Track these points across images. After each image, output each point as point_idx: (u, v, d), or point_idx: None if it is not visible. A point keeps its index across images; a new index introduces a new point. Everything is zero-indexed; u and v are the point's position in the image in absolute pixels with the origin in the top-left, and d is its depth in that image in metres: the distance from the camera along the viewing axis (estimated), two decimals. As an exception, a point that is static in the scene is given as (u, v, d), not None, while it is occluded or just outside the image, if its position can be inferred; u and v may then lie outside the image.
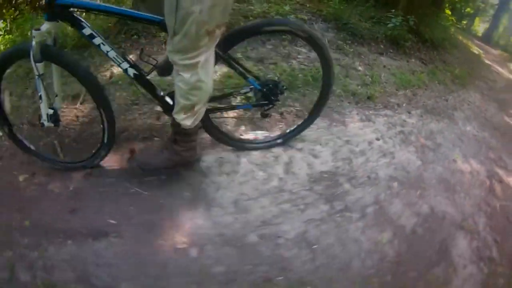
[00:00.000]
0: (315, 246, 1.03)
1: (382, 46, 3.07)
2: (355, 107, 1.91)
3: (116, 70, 1.77)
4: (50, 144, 1.44)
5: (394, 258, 1.09)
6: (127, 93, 1.65)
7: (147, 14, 1.16)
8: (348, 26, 2.92)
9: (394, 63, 2.76)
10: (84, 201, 1.20)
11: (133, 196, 1.21)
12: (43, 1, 1.12)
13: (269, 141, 1.50)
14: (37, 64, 1.15)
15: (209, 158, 1.28)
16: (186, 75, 1.10)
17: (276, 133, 1.54)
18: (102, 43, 1.16)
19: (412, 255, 1.13)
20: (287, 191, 1.20)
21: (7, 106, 1.60)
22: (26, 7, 2.76)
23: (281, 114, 1.68)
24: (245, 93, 1.42)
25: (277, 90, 1.39)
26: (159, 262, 1.00)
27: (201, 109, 1.21)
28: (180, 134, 1.25)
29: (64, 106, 1.53)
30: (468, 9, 4.88)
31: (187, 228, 1.08)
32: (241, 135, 1.50)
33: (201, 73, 1.11)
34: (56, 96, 1.29)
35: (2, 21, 2.78)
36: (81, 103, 1.41)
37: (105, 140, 1.29)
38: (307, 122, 1.56)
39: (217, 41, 1.11)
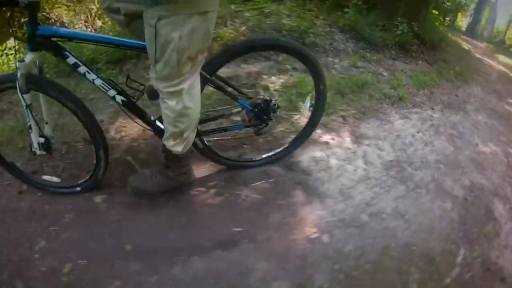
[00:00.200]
0: (407, 217, 1.40)
1: (393, 52, 3.51)
2: (392, 108, 2.31)
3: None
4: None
5: (459, 219, 1.48)
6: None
7: (131, 41, 1.16)
8: (363, 35, 3.35)
9: (407, 67, 3.20)
10: (193, 215, 1.27)
11: (247, 201, 1.32)
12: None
13: (265, 159, 1.50)
14: (23, 95, 1.14)
15: (304, 159, 1.60)
16: (172, 103, 1.09)
17: (271, 151, 1.54)
18: (87, 71, 1.16)
19: (469, 217, 1.52)
20: (372, 178, 1.57)
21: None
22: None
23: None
24: (237, 112, 1.42)
25: (269, 109, 1.39)
26: (300, 254, 1.15)
27: (190, 135, 1.21)
28: (172, 160, 1.26)
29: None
30: (449, 6, 5.41)
31: (313, 220, 1.27)
32: (238, 155, 1.53)
33: (186, 100, 1.10)
34: (46, 123, 1.28)
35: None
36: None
37: (99, 169, 1.30)
38: (301, 139, 1.54)
39: (201, 66, 1.11)
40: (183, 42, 0.97)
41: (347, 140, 1.80)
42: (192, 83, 1.10)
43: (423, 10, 4.24)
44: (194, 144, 1.30)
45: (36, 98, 1.20)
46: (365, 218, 1.32)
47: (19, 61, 1.09)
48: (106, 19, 4.29)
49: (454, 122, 2.40)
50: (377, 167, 1.65)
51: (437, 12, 5.31)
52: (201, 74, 1.16)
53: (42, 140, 1.26)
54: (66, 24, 4.92)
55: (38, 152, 1.28)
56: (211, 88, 1.34)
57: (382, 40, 3.40)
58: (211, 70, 1.25)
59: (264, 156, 1.53)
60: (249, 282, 1.06)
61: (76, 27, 4.65)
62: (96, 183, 1.36)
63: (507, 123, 2.61)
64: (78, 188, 1.37)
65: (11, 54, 2.99)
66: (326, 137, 1.77)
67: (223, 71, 1.99)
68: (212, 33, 1.06)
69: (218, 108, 1.51)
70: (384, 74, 2.79)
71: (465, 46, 4.86)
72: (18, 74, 1.10)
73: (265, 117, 1.39)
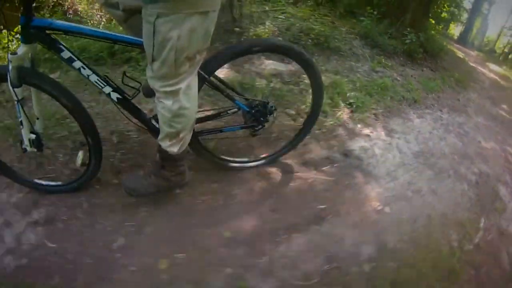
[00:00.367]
0: (438, 194, 1.76)
1: (401, 59, 3.90)
2: (410, 108, 2.69)
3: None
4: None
5: (476, 197, 1.85)
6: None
7: (128, 37, 1.14)
8: (377, 43, 3.73)
9: (415, 73, 3.60)
10: (277, 199, 1.44)
11: (322, 183, 1.56)
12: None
13: (259, 160, 1.56)
14: (15, 89, 1.10)
15: (355, 148, 1.92)
16: (168, 102, 1.07)
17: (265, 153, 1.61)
18: (82, 66, 1.12)
19: (482, 196, 1.90)
20: (407, 164, 1.92)
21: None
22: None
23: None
24: (233, 113, 1.41)
25: (265, 111, 1.41)
26: (373, 223, 1.44)
27: (187, 136, 1.19)
28: (167, 160, 1.23)
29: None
30: (444, 15, 5.92)
31: (374, 196, 1.59)
32: (234, 156, 1.55)
33: (183, 100, 1.07)
34: (37, 119, 1.24)
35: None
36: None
37: (91, 166, 1.28)
38: (296, 141, 1.60)
39: (199, 66, 1.09)
40: (182, 41, 0.95)
41: (382, 133, 2.15)
42: (190, 83, 1.08)
43: (426, 20, 4.70)
44: (190, 144, 1.27)
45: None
46: (410, 194, 1.68)
47: (11, 53, 1.04)
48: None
49: (459, 122, 2.81)
50: (408, 156, 2.01)
51: (433, 21, 5.79)
52: (198, 73, 1.15)
53: (33, 136, 1.22)
54: (79, 13, 4.99)
55: (28, 149, 1.24)
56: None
57: (392, 47, 3.79)
58: (210, 70, 1.23)
59: (261, 156, 1.59)
60: (345, 247, 1.30)
61: (89, 15, 4.75)
62: (89, 179, 1.33)
63: (501, 124, 3.06)
64: (75, 185, 1.37)
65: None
66: (366, 131, 2.11)
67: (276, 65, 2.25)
68: (212, 33, 1.03)
69: (214, 108, 1.51)
70: (399, 79, 3.17)
71: (460, 54, 5.37)
72: (10, 67, 1.06)
73: (261, 118, 1.41)
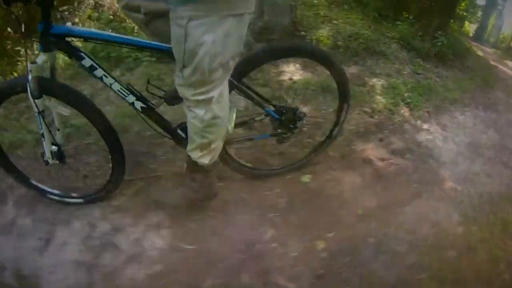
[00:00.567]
0: (493, 176, 2.17)
1: (433, 61, 4.30)
2: (453, 107, 3.10)
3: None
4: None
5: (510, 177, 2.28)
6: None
7: (153, 42, 1.09)
8: (413, 46, 4.11)
9: (447, 74, 3.99)
10: (382, 181, 1.81)
11: (407, 169, 1.94)
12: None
13: (286, 167, 1.57)
14: (35, 100, 1.06)
15: (422, 139, 2.32)
16: (200, 112, 1.02)
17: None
18: (104, 75, 1.08)
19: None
20: (462, 153, 2.35)
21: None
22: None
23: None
24: (261, 120, 1.38)
25: (294, 117, 1.39)
26: (454, 199, 1.80)
27: (218, 146, 1.14)
28: (197, 171, 1.19)
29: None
30: (461, 13, 6.29)
31: (449, 177, 1.97)
32: (260, 163, 1.58)
33: (216, 109, 1.03)
34: (58, 130, 1.21)
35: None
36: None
37: (113, 179, 1.26)
38: (324, 146, 1.63)
39: (231, 72, 1.04)
40: (216, 46, 0.90)
41: (438, 128, 2.57)
42: (222, 90, 1.03)
43: (450, 22, 5.07)
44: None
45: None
46: (471, 176, 2.11)
47: (30, 63, 1.01)
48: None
49: (493, 118, 3.23)
50: (462, 147, 2.43)
51: (452, 21, 6.15)
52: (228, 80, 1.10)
53: (54, 148, 1.19)
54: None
55: (50, 161, 1.22)
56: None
57: (425, 50, 4.18)
58: (239, 76, 1.18)
59: (288, 163, 1.60)
60: (440, 216, 1.68)
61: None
62: (109, 192, 1.31)
63: (529, 120, 3.48)
64: (94, 197, 1.36)
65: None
66: (425, 126, 2.53)
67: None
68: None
69: (240, 116, 1.42)
70: (437, 80, 3.57)
71: (479, 53, 5.74)
72: (30, 77, 1.03)
73: (291, 125, 1.39)
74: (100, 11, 4.04)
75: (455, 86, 3.65)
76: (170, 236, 1.29)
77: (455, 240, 1.59)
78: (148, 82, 1.18)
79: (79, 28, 1.14)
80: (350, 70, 2.92)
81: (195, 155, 1.14)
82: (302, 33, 3.18)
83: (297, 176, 1.67)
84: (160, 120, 1.22)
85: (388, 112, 2.50)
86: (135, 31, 2.79)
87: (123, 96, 1.14)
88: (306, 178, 1.69)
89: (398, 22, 4.25)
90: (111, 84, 1.11)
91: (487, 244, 1.59)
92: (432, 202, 1.79)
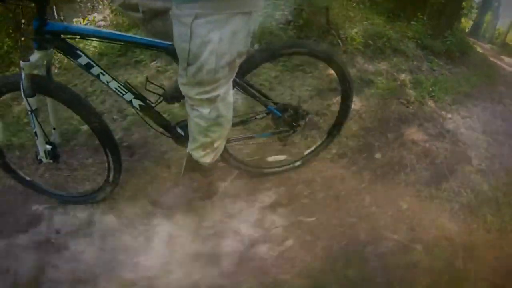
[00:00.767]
0: (503, 156, 2.63)
1: (443, 58, 4.74)
2: (467, 100, 3.54)
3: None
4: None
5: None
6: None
7: (152, 40, 1.07)
8: (426, 45, 4.52)
9: (456, 70, 4.43)
10: (421, 160, 2.23)
11: (443, 151, 2.37)
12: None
13: (288, 164, 1.56)
14: (28, 99, 1.04)
15: (449, 127, 2.73)
16: (205, 111, 1.01)
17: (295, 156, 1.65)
18: (101, 73, 1.07)
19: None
20: (482, 139, 2.77)
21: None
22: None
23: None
24: (262, 118, 1.37)
25: (297, 116, 1.38)
26: (478, 173, 2.23)
27: (221, 145, 1.13)
28: (198, 170, 1.19)
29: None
30: (464, 9, 6.77)
31: (475, 157, 2.37)
32: (260, 161, 1.58)
33: (221, 107, 1.02)
34: (54, 129, 1.20)
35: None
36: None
37: (110, 179, 1.25)
38: (326, 142, 1.63)
39: (236, 70, 1.03)
40: (223, 44, 0.89)
41: (459, 117, 3.00)
42: (227, 89, 1.02)
43: (456, 21, 5.52)
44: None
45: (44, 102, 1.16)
46: (492, 157, 2.54)
47: (23, 60, 0.98)
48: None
49: (500, 110, 3.69)
50: (480, 133, 2.87)
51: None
52: None
53: (48, 147, 1.18)
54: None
55: (44, 160, 1.21)
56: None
57: (437, 48, 4.61)
58: (241, 74, 1.16)
59: (295, 159, 1.60)
60: (470, 187, 2.07)
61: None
62: (107, 193, 1.31)
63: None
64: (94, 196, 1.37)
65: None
66: (449, 115, 2.96)
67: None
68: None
69: (241, 114, 1.44)
70: (450, 75, 4.01)
71: (478, 49, 6.24)
72: (23, 75, 1.01)
73: (293, 124, 1.38)
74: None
75: (465, 81, 4.09)
76: (286, 213, 1.42)
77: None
78: (147, 79, 1.18)
79: (76, 25, 1.10)
80: (381, 66, 3.30)
81: (197, 154, 1.14)
82: (334, 32, 3.51)
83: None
84: (158, 118, 1.21)
85: (419, 104, 2.90)
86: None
87: (121, 94, 1.14)
88: (378, 155, 2.09)
89: (413, 22, 4.64)
90: (108, 82, 1.11)
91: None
92: (465, 178, 2.23)
